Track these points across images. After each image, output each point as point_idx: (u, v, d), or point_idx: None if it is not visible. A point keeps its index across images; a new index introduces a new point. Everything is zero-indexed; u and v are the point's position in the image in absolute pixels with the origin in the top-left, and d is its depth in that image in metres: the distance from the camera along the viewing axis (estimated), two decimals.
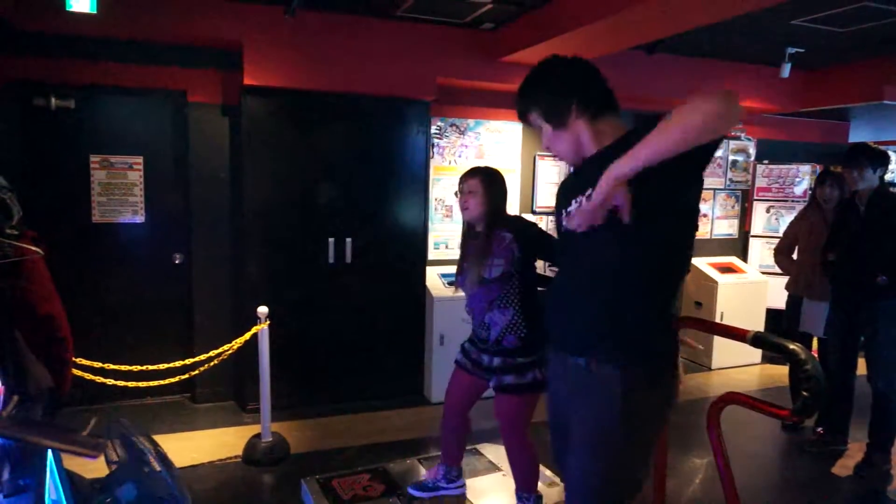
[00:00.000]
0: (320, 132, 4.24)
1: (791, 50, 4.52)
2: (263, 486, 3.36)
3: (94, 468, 1.40)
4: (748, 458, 3.73)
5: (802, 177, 5.96)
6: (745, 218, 6.25)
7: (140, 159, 4.21)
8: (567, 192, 1.71)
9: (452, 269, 2.98)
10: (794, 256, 4.25)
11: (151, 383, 3.46)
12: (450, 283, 2.85)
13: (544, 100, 1.69)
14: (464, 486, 2.94)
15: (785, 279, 4.37)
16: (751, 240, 6.18)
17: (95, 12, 3.32)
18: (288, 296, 4.24)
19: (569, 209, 1.64)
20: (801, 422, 4.06)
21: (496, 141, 5.02)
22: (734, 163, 6.13)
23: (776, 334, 2.00)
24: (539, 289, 2.59)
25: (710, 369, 5.55)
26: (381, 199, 4.46)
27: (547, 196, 5.25)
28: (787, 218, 5.52)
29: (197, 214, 4.28)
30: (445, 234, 4.92)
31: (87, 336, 3.53)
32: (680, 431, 3.85)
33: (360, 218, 4.40)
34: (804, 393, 1.68)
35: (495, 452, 3.40)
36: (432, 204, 4.82)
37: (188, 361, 3.55)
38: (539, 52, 4.06)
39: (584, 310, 1.64)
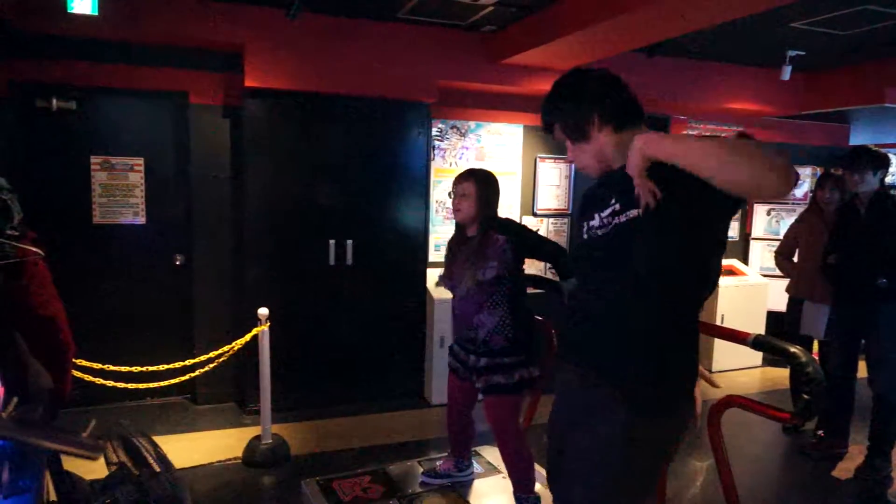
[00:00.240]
0: (321, 134, 4.25)
1: (792, 52, 4.52)
2: (263, 488, 3.36)
3: (94, 469, 1.40)
4: (749, 461, 3.72)
5: (803, 179, 5.95)
6: (745, 220, 6.24)
7: (141, 161, 4.22)
8: (589, 204, 1.66)
9: None
10: (795, 259, 4.25)
11: (152, 384, 3.47)
12: (437, 285, 2.86)
13: (564, 115, 1.66)
14: (472, 473, 3.04)
15: (785, 282, 4.37)
16: (751, 242, 6.18)
17: (97, 14, 3.33)
18: (289, 297, 4.24)
19: (592, 223, 1.61)
20: (801, 424, 4.06)
21: (497, 143, 5.01)
22: None
23: (777, 337, 2.00)
24: (538, 290, 2.59)
25: (710, 372, 5.54)
26: (382, 201, 4.46)
27: (548, 198, 5.24)
28: (788, 220, 5.50)
29: (198, 216, 4.28)
30: (446, 237, 4.86)
31: (87, 337, 3.52)
32: None
33: (361, 220, 4.40)
34: (805, 396, 1.68)
35: (494, 454, 3.38)
36: (433, 206, 4.82)
37: (189, 363, 3.55)
38: (540, 55, 4.09)
39: (598, 320, 1.59)
